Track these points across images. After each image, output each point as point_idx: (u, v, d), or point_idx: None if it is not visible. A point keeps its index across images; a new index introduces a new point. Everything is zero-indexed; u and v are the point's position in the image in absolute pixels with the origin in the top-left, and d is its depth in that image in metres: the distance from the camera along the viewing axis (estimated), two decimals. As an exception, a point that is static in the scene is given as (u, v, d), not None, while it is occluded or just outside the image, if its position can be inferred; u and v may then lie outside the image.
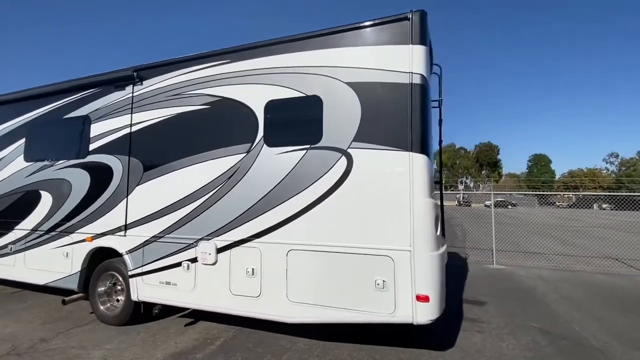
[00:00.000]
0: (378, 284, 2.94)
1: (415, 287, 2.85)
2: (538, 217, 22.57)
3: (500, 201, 38.66)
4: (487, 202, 40.99)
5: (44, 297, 5.18)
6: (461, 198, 40.44)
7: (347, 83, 3.22)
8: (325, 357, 3.38)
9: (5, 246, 4.93)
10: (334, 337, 3.75)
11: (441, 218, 4.54)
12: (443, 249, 3.20)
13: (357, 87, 3.19)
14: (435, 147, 3.91)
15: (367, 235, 3.03)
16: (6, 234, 4.93)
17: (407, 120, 2.98)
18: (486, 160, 69.78)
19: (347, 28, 3.28)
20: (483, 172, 69.48)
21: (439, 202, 3.40)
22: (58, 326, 4.15)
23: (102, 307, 4.26)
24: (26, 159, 4.91)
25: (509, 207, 35.89)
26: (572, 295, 5.67)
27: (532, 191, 46.16)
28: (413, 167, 2.93)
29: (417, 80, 3.00)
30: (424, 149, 2.97)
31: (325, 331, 3.78)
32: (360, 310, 3.00)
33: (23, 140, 4.99)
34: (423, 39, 3.09)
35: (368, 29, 3.21)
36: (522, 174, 75.40)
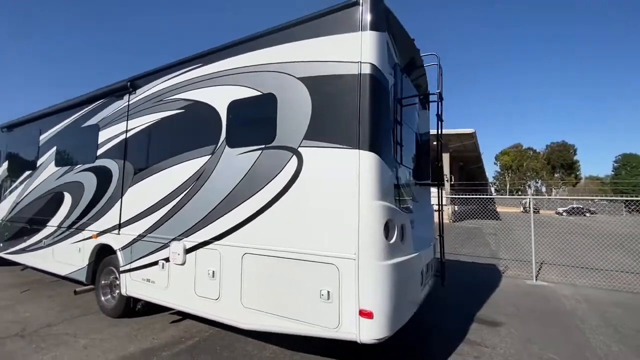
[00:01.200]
0: (323, 295, 2.68)
1: (359, 300, 2.54)
2: (620, 226, 19.15)
3: (576, 208, 33.76)
4: (560, 209, 36.10)
5: (72, 287, 5.83)
6: (527, 204, 36.30)
7: (299, 78, 3.04)
8: None
9: (41, 240, 5.66)
10: (304, 349, 3.55)
11: (439, 223, 4.08)
12: (403, 258, 2.81)
13: (308, 82, 2.99)
14: (409, 145, 3.47)
15: (314, 241, 2.80)
16: (42, 229, 5.66)
17: (355, 114, 2.69)
18: (559, 162, 61.66)
19: (299, 21, 3.10)
20: (556, 174, 61.52)
21: (390, 204, 2.93)
22: (67, 314, 4.61)
23: (103, 299, 4.63)
24: (56, 165, 5.60)
25: (587, 214, 31.17)
26: (619, 324, 4.61)
27: (620, 196, 39.43)
28: (360, 166, 2.63)
29: (366, 70, 2.70)
30: (374, 146, 2.65)
31: (303, 340, 3.60)
32: (305, 322, 2.77)
33: (55, 147, 5.71)
34: (377, 25, 2.77)
35: (319, 20, 2.99)
36: (607, 176, 64.98)
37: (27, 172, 6.23)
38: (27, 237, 5.97)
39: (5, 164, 7.00)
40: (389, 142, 2.88)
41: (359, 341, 2.53)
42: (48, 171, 5.74)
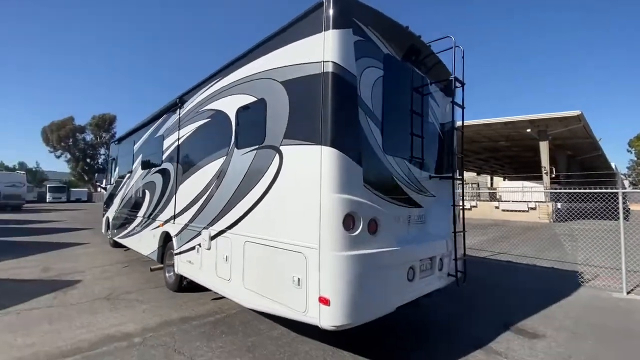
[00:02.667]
0: (294, 281, 2.91)
1: (319, 288, 2.69)
2: None
3: None
4: None
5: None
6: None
7: (281, 82, 3.30)
8: (287, 346, 3.55)
9: (134, 228, 7.24)
10: (309, 333, 3.80)
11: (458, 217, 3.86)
12: (370, 251, 2.81)
13: (287, 85, 3.23)
14: (374, 141, 3.26)
15: (289, 231, 3.04)
16: (135, 219, 7.23)
17: (319, 112, 2.83)
18: None
19: (282, 28, 3.35)
20: None
21: (355, 198, 2.86)
22: (144, 285, 5.84)
23: (167, 276, 5.72)
24: (141, 168, 7.07)
25: None
26: None
27: None
28: (322, 161, 2.76)
29: (328, 68, 2.80)
30: (335, 142, 2.75)
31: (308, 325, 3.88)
32: (283, 304, 3.05)
33: (141, 155, 7.21)
34: (340, 23, 2.84)
35: (296, 24, 3.19)
36: None
37: (128, 175, 8.01)
38: (127, 225, 7.70)
39: (117, 169, 9.11)
40: (354, 137, 2.90)
41: (320, 326, 2.68)
42: (137, 173, 7.30)
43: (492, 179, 46.96)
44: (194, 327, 4.10)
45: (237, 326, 4.11)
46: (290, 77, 3.19)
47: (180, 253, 5.11)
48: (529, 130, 21.01)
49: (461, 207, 4.27)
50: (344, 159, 2.77)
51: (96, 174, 11.89)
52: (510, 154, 32.71)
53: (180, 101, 5.44)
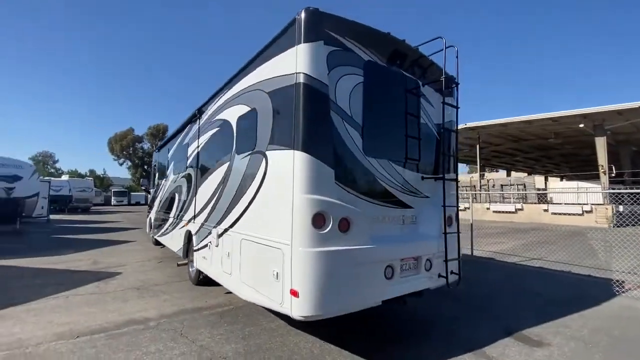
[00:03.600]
0: (274, 274, 3.17)
1: (291, 280, 2.92)
2: None
3: None
4: None
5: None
6: None
7: (267, 93, 3.61)
8: (280, 337, 3.84)
9: (167, 227, 8.04)
10: (305, 328, 4.04)
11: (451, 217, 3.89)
12: (341, 248, 2.98)
13: (271, 95, 3.52)
14: (353, 144, 3.37)
15: (271, 229, 3.32)
16: (168, 220, 8.03)
17: (292, 119, 3.08)
18: None
19: (268, 43, 3.66)
20: None
21: (325, 198, 3.01)
22: (171, 279, 6.50)
23: (190, 270, 6.31)
24: (173, 174, 7.85)
25: None
26: None
27: None
28: (295, 165, 3.00)
29: (300, 79, 3.04)
30: (305, 146, 2.97)
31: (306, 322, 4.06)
32: (267, 296, 3.32)
33: (173, 161, 8.00)
34: (311, 37, 3.07)
35: (279, 39, 3.48)
36: None
37: (164, 179, 8.89)
38: (163, 225, 8.54)
39: (157, 174, 10.13)
40: (325, 141, 3.08)
41: (291, 316, 2.91)
42: (170, 178, 8.10)
43: (546, 180, 43.18)
44: (203, 316, 4.54)
45: (240, 317, 4.48)
46: (274, 88, 3.49)
47: (197, 250, 5.64)
48: (581, 125, 19.16)
49: (463, 209, 4.23)
50: (314, 162, 2.98)
51: (141, 179, 13.33)
52: (564, 152, 29.99)
53: (199, 112, 6.02)
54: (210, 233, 5.04)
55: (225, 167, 4.68)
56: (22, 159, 16.04)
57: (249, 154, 3.95)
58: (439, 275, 3.89)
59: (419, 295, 3.87)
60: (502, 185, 30.32)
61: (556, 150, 30.22)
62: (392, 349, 3.66)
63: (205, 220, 5.30)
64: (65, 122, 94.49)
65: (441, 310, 4.95)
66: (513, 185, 29.57)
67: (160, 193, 9.22)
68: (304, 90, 3.02)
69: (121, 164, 59.16)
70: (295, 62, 3.11)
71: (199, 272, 5.73)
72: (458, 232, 4.11)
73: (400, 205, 3.80)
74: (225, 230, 4.46)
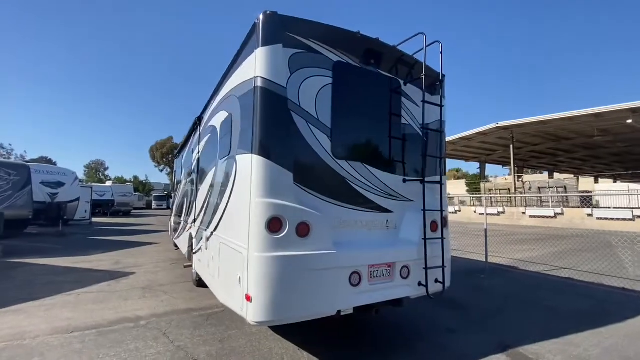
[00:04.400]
0: (238, 278, 3.18)
1: (247, 285, 2.90)
2: None
3: None
4: None
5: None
6: None
7: (238, 98, 3.65)
8: (256, 342, 3.85)
9: (180, 230, 8.40)
10: (286, 331, 4.04)
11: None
12: (297, 253, 2.91)
13: (240, 100, 3.56)
14: (319, 146, 3.29)
15: (236, 232, 3.33)
16: (180, 223, 8.39)
17: (252, 123, 3.08)
18: None
19: (240, 47, 3.70)
20: None
21: (281, 202, 2.96)
22: (177, 280, 6.76)
23: (192, 272, 6.52)
24: (184, 179, 8.20)
25: None
26: None
27: None
28: (252, 168, 2.99)
29: (258, 83, 3.04)
30: (261, 150, 2.96)
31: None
32: (233, 300, 3.33)
33: (183, 167, 8.36)
34: (268, 40, 3.06)
35: (245, 46, 3.51)
36: None
37: (179, 184, 9.32)
38: (178, 228, 8.94)
39: (175, 180, 10.65)
40: (283, 145, 3.04)
41: (247, 321, 2.89)
42: (182, 183, 8.47)
43: (596, 181, 39.38)
44: (192, 317, 4.66)
45: (225, 320, 4.53)
46: (242, 93, 3.53)
47: (195, 252, 5.82)
48: (629, 120, 17.29)
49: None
50: (270, 166, 2.96)
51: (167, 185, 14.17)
52: (615, 150, 27.22)
53: (199, 120, 6.25)
54: (202, 236, 5.18)
55: (213, 171, 4.80)
56: (78, 167, 17.62)
57: (226, 159, 4.02)
58: (420, 284, 3.67)
59: (399, 305, 3.68)
60: (539, 188, 28.15)
61: (605, 149, 27.53)
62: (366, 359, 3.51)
63: (201, 224, 5.45)
64: (115, 133, 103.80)
65: (437, 321, 4.68)
66: (552, 187, 27.33)
67: (177, 197, 9.67)
68: (260, 93, 3.02)
69: (161, 171, 63.00)
70: (254, 67, 3.12)
71: (197, 274, 5.91)
72: (442, 238, 3.86)
73: (377, 210, 3.66)
74: (211, 233, 4.55)
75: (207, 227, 4.80)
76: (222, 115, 4.42)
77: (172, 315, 4.71)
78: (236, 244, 3.30)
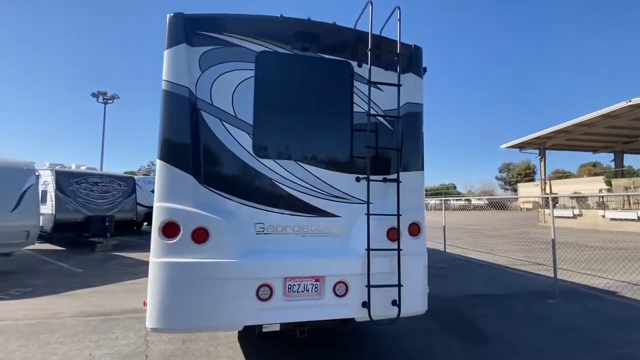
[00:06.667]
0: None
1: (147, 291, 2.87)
2: None
3: None
4: None
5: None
6: None
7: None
8: (217, 347, 3.85)
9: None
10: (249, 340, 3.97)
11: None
12: (189, 260, 2.71)
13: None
14: (237, 146, 2.96)
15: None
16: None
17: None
18: None
19: None
20: None
21: (177, 206, 2.80)
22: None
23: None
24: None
25: None
26: None
27: None
28: (157, 173, 2.97)
29: (162, 86, 3.00)
30: (162, 154, 2.90)
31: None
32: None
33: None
34: (172, 42, 2.97)
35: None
36: None
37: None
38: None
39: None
40: (184, 147, 2.90)
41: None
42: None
43: None
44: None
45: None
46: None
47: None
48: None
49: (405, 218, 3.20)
50: (169, 169, 2.87)
51: None
52: None
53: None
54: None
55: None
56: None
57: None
58: (364, 304, 3.01)
59: (343, 325, 3.13)
60: (626, 188, 20.97)
61: None
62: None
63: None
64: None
65: (433, 348, 3.82)
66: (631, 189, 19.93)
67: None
68: (163, 97, 2.98)
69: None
70: (162, 69, 3.11)
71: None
72: (399, 250, 3.09)
73: (316, 214, 3.19)
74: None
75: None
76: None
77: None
78: None
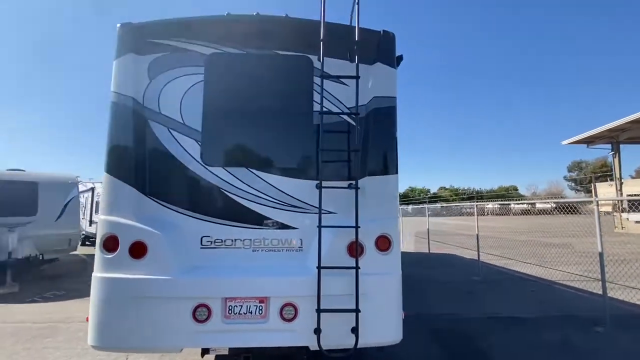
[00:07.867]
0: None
1: (92, 305, 2.79)
2: None
3: None
4: None
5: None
6: None
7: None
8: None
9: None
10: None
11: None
12: (124, 276, 2.57)
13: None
14: (183, 154, 2.77)
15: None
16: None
17: (110, 140, 3.01)
18: None
19: None
20: None
21: (116, 219, 2.70)
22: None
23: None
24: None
25: None
26: None
27: None
28: (102, 185, 2.93)
29: (110, 98, 2.96)
30: (107, 167, 2.83)
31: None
32: None
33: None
34: (120, 52, 2.94)
35: None
36: None
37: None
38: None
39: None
40: (126, 158, 2.80)
41: None
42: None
43: None
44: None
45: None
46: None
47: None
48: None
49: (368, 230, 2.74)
50: (111, 181, 2.80)
51: None
52: None
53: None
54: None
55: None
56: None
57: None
58: (316, 330, 2.61)
59: (300, 353, 2.77)
60: None
61: None
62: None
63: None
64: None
65: None
66: None
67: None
68: (109, 108, 2.94)
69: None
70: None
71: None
72: (357, 268, 2.64)
73: (267, 225, 2.90)
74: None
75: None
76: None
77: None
78: None
